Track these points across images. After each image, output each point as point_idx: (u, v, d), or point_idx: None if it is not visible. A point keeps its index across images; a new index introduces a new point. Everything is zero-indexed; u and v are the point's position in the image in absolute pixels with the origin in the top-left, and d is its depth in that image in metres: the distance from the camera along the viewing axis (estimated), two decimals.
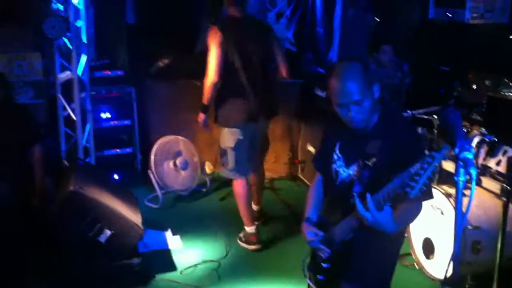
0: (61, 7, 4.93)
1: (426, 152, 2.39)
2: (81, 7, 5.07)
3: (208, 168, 5.90)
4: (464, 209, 2.02)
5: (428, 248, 3.89)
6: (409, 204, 2.32)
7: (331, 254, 2.55)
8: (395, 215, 2.25)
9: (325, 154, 2.72)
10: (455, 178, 1.99)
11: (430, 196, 2.48)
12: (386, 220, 2.22)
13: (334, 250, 2.54)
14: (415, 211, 2.43)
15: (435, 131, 4.25)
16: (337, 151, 2.63)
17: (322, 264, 2.60)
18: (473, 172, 1.94)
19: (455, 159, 1.99)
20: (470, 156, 1.96)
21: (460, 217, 2.05)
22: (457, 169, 1.99)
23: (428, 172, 2.03)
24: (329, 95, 2.47)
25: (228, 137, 4.43)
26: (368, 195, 2.22)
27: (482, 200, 3.74)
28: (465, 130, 3.95)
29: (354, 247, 2.49)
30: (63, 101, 5.13)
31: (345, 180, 2.57)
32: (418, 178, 2.04)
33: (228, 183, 5.97)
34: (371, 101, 2.40)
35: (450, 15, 5.55)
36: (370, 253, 2.54)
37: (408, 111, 4.44)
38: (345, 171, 2.57)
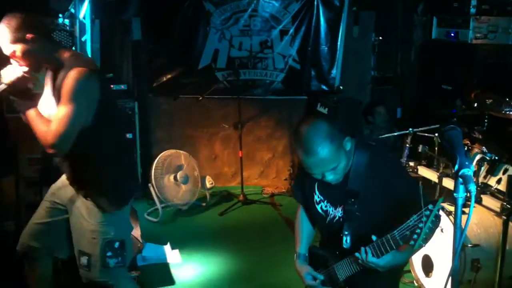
0: (67, 21, 4.97)
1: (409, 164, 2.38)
2: (87, 22, 5.11)
3: (209, 182, 5.90)
4: (463, 226, 2.02)
5: (428, 265, 3.87)
6: None
7: None
8: (401, 250, 2.25)
9: (304, 190, 2.66)
10: (455, 195, 1.99)
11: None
12: (390, 262, 2.25)
13: (337, 286, 2.52)
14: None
15: (436, 149, 4.26)
16: (317, 192, 2.56)
17: None
18: (473, 188, 1.94)
19: (455, 176, 1.99)
20: (469, 173, 1.96)
21: (459, 233, 2.04)
22: (456, 186, 1.99)
23: (428, 223, 2.08)
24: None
25: None
26: (368, 252, 2.23)
27: (482, 218, 3.73)
28: (466, 148, 3.95)
29: (358, 279, 2.46)
30: None
31: (332, 220, 2.52)
32: (419, 231, 2.09)
33: (227, 198, 6.00)
34: (346, 159, 2.33)
35: (453, 35, 5.60)
36: (376, 280, 2.50)
37: (410, 129, 4.46)
38: (333, 212, 2.52)
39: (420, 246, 2.13)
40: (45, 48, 2.65)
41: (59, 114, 2.54)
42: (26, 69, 2.63)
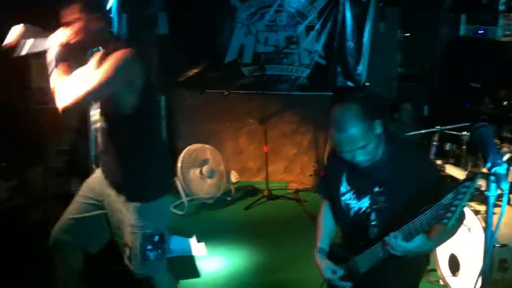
0: None
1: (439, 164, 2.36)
2: (114, 15, 5.17)
3: (234, 177, 5.93)
4: (494, 226, 2.01)
5: (454, 264, 3.85)
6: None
7: (353, 286, 2.54)
8: (431, 236, 2.25)
9: (331, 183, 2.69)
10: (486, 193, 1.98)
11: (464, 218, 2.46)
12: (420, 246, 2.23)
13: (356, 281, 2.52)
14: (451, 231, 2.39)
15: (464, 148, 4.22)
16: (345, 182, 2.60)
17: None
18: (506, 187, 1.93)
19: (487, 174, 1.98)
20: (502, 170, 1.95)
21: (490, 232, 2.04)
22: (488, 184, 1.98)
23: (464, 202, 2.03)
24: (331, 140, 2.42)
25: None
26: (397, 235, 2.22)
27: (511, 218, 3.69)
28: None
29: (380, 272, 2.45)
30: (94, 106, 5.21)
31: (358, 212, 2.54)
32: (454, 208, 2.03)
33: (252, 193, 6.02)
34: (376, 141, 2.38)
35: (482, 32, 5.54)
36: (397, 274, 2.51)
37: (437, 126, 4.42)
38: (357, 204, 2.54)
39: (453, 227, 2.09)
40: (101, 30, 2.69)
41: (94, 75, 2.55)
42: (76, 39, 2.65)
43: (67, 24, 2.66)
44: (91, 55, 2.88)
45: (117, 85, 2.57)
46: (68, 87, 2.54)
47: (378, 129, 2.38)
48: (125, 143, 2.75)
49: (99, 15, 2.67)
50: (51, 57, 2.65)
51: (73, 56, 2.73)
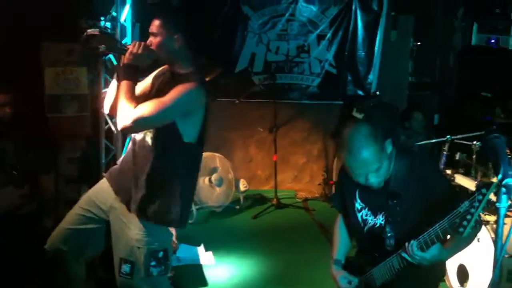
0: (108, 24, 5.07)
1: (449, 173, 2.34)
2: (127, 25, 5.21)
3: (243, 185, 5.93)
4: (504, 238, 2.00)
5: (463, 275, 3.82)
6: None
7: None
8: (446, 246, 2.24)
9: (345, 198, 2.67)
10: (497, 204, 1.96)
11: (480, 226, 2.43)
12: (436, 256, 2.21)
13: None
14: (467, 239, 2.37)
15: (474, 157, 4.19)
16: (359, 200, 2.57)
17: None
18: None
19: (498, 185, 1.96)
20: None
21: (501, 243, 2.02)
22: (499, 196, 1.96)
23: (479, 210, 2.00)
24: (343, 163, 2.39)
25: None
26: (413, 245, 2.20)
27: None
28: None
29: (396, 285, 2.44)
30: (106, 115, 5.25)
31: (373, 226, 2.53)
32: (470, 217, 2.01)
33: (260, 201, 6.02)
34: (388, 161, 2.35)
35: (494, 41, 5.52)
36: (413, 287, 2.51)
37: (447, 136, 4.39)
38: (373, 220, 2.53)
39: (469, 235, 2.06)
40: (179, 52, 2.72)
41: (153, 102, 2.58)
42: (152, 54, 2.69)
43: (150, 34, 2.71)
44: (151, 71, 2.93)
45: (173, 117, 2.60)
46: (128, 108, 2.57)
47: (389, 148, 2.35)
48: (163, 168, 2.70)
49: (178, 36, 2.69)
50: (121, 64, 2.70)
51: (138, 72, 2.75)
